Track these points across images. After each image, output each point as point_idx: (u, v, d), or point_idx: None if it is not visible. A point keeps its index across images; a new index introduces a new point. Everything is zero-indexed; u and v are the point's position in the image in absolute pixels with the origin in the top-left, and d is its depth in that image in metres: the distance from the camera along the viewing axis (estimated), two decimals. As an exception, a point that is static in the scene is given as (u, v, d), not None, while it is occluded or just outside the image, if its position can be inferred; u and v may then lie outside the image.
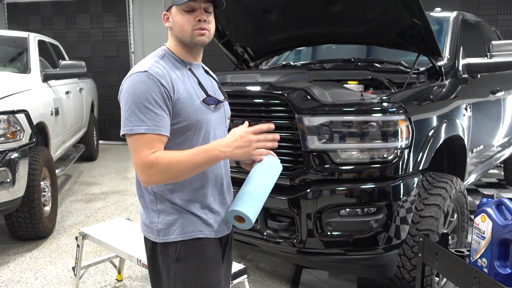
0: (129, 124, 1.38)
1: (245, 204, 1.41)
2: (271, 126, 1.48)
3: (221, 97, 1.62)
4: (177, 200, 1.48)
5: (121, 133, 1.41)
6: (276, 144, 1.49)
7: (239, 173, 2.13)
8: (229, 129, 1.56)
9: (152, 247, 1.53)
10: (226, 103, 1.64)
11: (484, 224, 1.59)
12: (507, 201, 1.58)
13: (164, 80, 1.40)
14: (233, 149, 1.41)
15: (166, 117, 1.40)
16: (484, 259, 1.57)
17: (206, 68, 1.66)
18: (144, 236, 1.57)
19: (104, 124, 8.46)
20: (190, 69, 1.51)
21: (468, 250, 1.73)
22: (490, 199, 1.68)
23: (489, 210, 1.59)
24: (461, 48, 3.34)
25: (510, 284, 1.50)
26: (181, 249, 1.47)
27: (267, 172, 1.50)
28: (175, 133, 1.44)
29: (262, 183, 1.46)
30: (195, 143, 1.46)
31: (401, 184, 2.31)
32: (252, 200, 1.42)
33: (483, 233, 1.59)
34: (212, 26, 1.51)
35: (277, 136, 1.49)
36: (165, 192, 1.48)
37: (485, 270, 1.56)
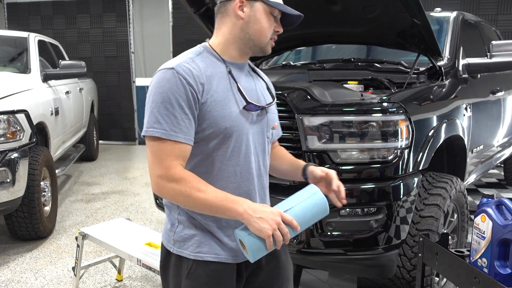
0: (146, 124, 1.26)
1: (253, 234, 1.22)
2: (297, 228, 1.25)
3: (267, 100, 1.43)
4: (197, 215, 1.33)
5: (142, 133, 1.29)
6: (284, 242, 1.24)
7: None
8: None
9: (166, 255, 1.41)
10: (273, 109, 1.45)
11: (484, 224, 1.58)
12: (507, 201, 1.57)
13: (192, 79, 1.25)
14: (255, 217, 1.20)
15: (187, 121, 1.24)
16: (484, 259, 1.56)
17: (253, 66, 1.48)
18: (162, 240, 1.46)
19: (104, 124, 8.46)
20: (230, 72, 1.34)
21: (468, 250, 1.73)
22: (490, 199, 1.66)
23: (489, 210, 1.58)
24: (461, 48, 3.34)
25: (510, 284, 1.49)
26: (193, 268, 1.33)
27: (312, 211, 1.28)
28: (202, 140, 1.29)
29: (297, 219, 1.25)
30: (222, 155, 1.31)
31: (401, 184, 2.31)
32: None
33: (483, 233, 1.58)
34: None
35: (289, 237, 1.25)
36: None
37: (485, 270, 1.55)
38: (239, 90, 1.34)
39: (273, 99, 1.46)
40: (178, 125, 1.24)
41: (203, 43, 1.40)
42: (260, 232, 1.20)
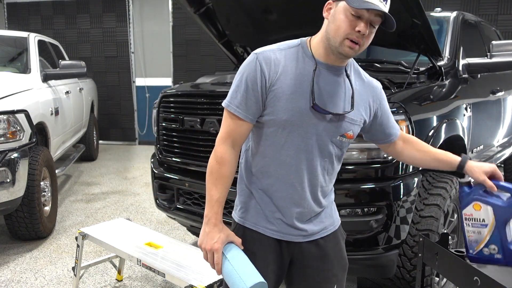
0: (227, 96, 1.43)
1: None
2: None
3: (346, 108, 1.43)
4: (251, 184, 1.50)
5: None
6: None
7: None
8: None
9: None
10: (352, 119, 1.44)
11: (480, 212, 1.53)
12: (496, 182, 1.53)
13: (267, 66, 1.37)
14: (205, 227, 1.41)
15: (251, 102, 1.38)
16: (494, 246, 1.52)
17: (351, 72, 1.47)
18: None
19: (104, 124, 8.46)
20: (314, 70, 1.38)
21: (468, 249, 1.73)
22: (471, 187, 1.59)
23: (482, 197, 1.53)
24: (461, 48, 3.34)
25: None
26: (235, 229, 1.52)
27: (231, 281, 1.35)
28: (266, 123, 1.42)
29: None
30: (277, 142, 1.42)
31: (401, 184, 2.31)
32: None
33: (483, 221, 1.52)
34: (367, 42, 1.37)
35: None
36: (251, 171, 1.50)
37: (498, 256, 1.52)
38: (312, 90, 1.37)
39: (351, 109, 1.44)
40: (242, 103, 1.39)
41: (304, 38, 1.46)
42: (202, 243, 1.41)
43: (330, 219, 1.57)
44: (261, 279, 1.32)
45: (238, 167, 1.50)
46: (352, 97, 1.44)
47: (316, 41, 1.43)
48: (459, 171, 1.60)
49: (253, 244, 1.48)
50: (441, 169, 1.66)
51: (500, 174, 1.54)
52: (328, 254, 1.54)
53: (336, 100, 1.42)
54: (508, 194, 1.51)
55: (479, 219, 1.52)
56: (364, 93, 1.49)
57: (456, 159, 1.60)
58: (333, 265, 1.55)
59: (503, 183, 1.53)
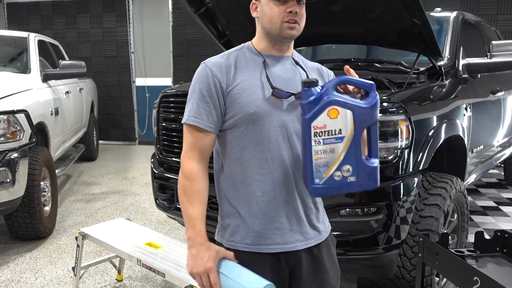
0: (184, 113, 1.41)
1: None
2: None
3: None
4: (233, 202, 1.43)
5: None
6: None
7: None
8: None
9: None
10: None
11: (337, 121, 1.18)
12: (348, 78, 1.24)
13: (219, 71, 1.38)
14: (191, 250, 1.33)
15: (208, 109, 1.36)
16: (348, 166, 1.21)
17: (297, 59, 1.49)
18: None
19: (104, 124, 8.46)
20: (264, 62, 1.41)
21: (468, 250, 1.73)
22: (311, 86, 1.22)
23: (338, 98, 1.19)
24: (461, 48, 3.34)
25: (376, 175, 1.23)
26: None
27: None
28: (233, 126, 1.38)
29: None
30: (251, 140, 1.37)
31: (401, 184, 2.31)
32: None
33: (339, 133, 1.18)
34: (303, 20, 1.40)
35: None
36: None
37: (352, 179, 1.22)
38: (267, 77, 1.38)
39: None
40: (199, 112, 1.36)
41: (246, 42, 1.50)
42: (189, 266, 1.33)
43: (323, 225, 1.50)
44: (268, 282, 1.24)
45: (216, 188, 1.47)
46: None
47: (257, 40, 1.46)
48: None
49: (250, 268, 1.35)
50: None
51: (353, 71, 1.33)
52: (323, 262, 1.48)
53: (292, 84, 1.41)
54: (360, 92, 1.24)
55: (335, 131, 1.19)
56: (315, 75, 1.51)
57: None
58: (327, 273, 1.49)
59: (359, 78, 1.24)
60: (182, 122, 1.40)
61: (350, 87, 1.27)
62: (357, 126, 1.19)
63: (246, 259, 1.38)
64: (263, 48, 1.44)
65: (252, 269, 1.34)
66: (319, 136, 1.19)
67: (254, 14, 1.45)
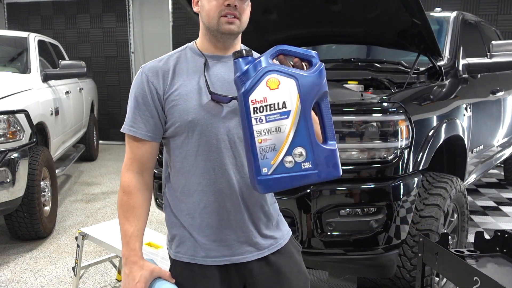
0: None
1: None
2: None
3: None
4: (177, 213, 1.37)
5: None
6: None
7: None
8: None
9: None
10: None
11: (279, 92, 1.00)
12: (287, 47, 1.09)
13: (155, 76, 1.29)
14: (125, 267, 1.29)
15: (144, 117, 1.29)
16: (301, 149, 1.02)
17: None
18: None
19: (104, 124, 8.46)
20: (205, 63, 1.31)
21: (468, 250, 1.73)
22: (248, 56, 1.08)
23: (276, 66, 1.04)
24: (461, 48, 3.34)
25: (336, 159, 1.06)
26: (172, 267, 1.39)
27: None
28: (174, 135, 1.31)
29: None
30: (192, 149, 1.29)
31: (401, 184, 2.31)
32: None
33: (283, 107, 1.00)
34: (245, 16, 1.30)
35: None
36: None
37: (307, 165, 1.02)
38: (206, 81, 1.28)
39: None
40: (135, 121, 1.30)
41: (191, 42, 1.41)
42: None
43: (279, 232, 1.40)
44: None
45: (163, 197, 1.41)
46: None
47: (199, 39, 1.38)
48: None
49: (195, 281, 1.32)
50: None
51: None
52: (283, 271, 1.37)
53: (233, 86, 1.26)
54: (302, 61, 1.10)
55: (278, 105, 1.00)
56: None
57: None
58: (290, 282, 1.37)
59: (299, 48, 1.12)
60: (122, 131, 1.33)
61: (293, 61, 1.14)
62: (304, 98, 1.01)
63: (193, 270, 1.32)
64: (206, 47, 1.35)
65: (200, 281, 1.31)
66: (260, 111, 1.01)
67: (195, 9, 1.35)
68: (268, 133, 1.01)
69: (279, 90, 1.00)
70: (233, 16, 1.26)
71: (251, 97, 1.02)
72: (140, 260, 1.29)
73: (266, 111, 1.01)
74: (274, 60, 1.08)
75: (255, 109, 1.02)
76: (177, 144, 1.31)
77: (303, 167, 1.02)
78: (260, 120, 1.01)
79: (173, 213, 1.38)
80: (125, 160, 1.33)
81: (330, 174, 1.05)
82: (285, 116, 1.00)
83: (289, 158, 1.01)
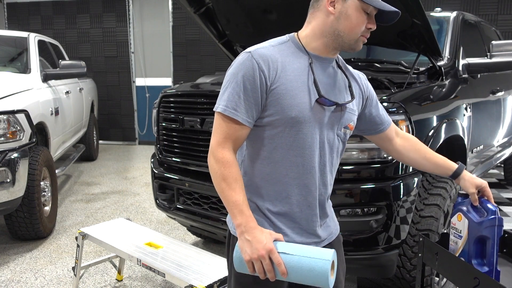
0: (218, 101, 1.33)
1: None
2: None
3: (346, 99, 1.42)
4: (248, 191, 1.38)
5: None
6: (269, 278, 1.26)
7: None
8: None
9: (228, 235, 1.49)
10: (351, 109, 1.43)
11: (460, 223, 1.55)
12: (483, 199, 1.55)
13: (265, 65, 1.29)
14: (244, 236, 1.26)
15: (248, 104, 1.29)
16: (462, 259, 1.54)
17: (341, 62, 1.47)
18: None
19: (104, 124, 8.46)
20: (310, 64, 1.34)
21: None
22: (465, 198, 1.61)
23: (464, 208, 1.55)
24: (461, 48, 3.34)
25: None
26: (232, 244, 1.43)
27: (308, 274, 1.23)
28: (268, 125, 1.33)
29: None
30: (285, 143, 1.33)
31: (401, 184, 2.31)
32: None
33: (460, 232, 1.54)
34: None
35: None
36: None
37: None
38: (314, 82, 1.33)
39: (352, 98, 1.43)
40: (240, 105, 1.29)
41: (291, 34, 1.41)
42: (241, 252, 1.28)
43: (333, 223, 1.53)
44: (332, 250, 1.24)
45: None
46: (350, 86, 1.45)
47: (307, 35, 1.38)
48: (453, 178, 1.60)
49: None
50: (436, 173, 1.68)
51: (490, 192, 1.56)
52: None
53: (336, 91, 1.39)
54: (485, 213, 1.52)
55: (458, 230, 1.56)
56: (354, 83, 1.49)
57: (453, 166, 1.61)
58: (338, 271, 1.48)
59: (486, 201, 1.54)
60: (217, 110, 1.32)
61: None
62: (470, 233, 1.52)
63: None
64: (314, 47, 1.37)
65: None
66: (452, 229, 1.59)
67: (329, 9, 1.34)
68: (453, 242, 1.61)
69: (460, 222, 1.56)
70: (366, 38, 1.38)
71: (452, 219, 1.60)
72: (258, 225, 1.30)
73: (454, 230, 1.59)
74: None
75: (452, 227, 1.60)
76: (269, 135, 1.34)
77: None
78: (452, 234, 1.62)
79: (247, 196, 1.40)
80: (217, 138, 1.32)
81: None
82: (460, 238, 1.56)
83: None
